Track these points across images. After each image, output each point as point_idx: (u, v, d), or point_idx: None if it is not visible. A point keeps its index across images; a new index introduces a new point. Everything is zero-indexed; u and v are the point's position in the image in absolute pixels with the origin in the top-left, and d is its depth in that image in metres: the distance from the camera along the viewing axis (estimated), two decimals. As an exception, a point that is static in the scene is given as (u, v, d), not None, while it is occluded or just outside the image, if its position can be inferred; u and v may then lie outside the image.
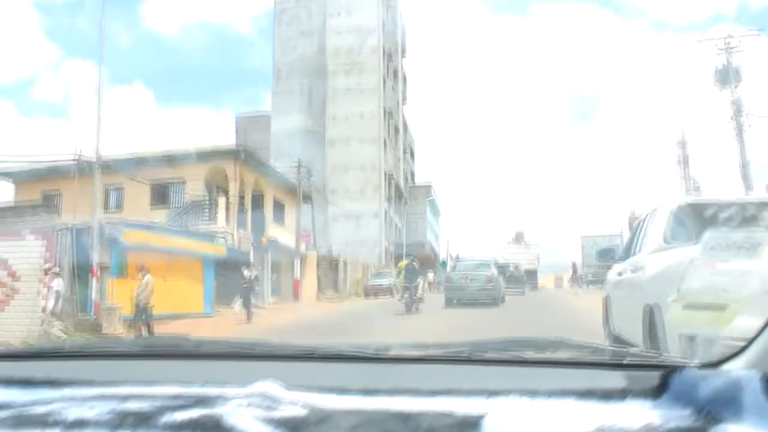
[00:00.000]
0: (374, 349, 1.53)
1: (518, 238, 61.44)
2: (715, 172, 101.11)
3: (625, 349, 1.56)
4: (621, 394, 1.08)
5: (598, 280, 33.68)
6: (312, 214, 32.72)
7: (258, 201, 26.68)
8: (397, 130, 56.14)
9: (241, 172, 24.37)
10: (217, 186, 24.54)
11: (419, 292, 18.80)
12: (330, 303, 25.13)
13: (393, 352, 1.52)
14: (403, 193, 57.41)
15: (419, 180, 67.31)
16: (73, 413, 1.02)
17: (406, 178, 61.76)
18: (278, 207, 29.96)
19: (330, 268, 31.31)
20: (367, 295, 29.47)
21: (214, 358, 1.59)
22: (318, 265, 29.86)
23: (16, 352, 2.04)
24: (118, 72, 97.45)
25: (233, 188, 23.86)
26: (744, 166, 22.51)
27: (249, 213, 25.32)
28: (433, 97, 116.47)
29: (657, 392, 1.08)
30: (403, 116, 61.40)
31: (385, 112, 50.55)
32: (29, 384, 1.23)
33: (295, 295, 26.68)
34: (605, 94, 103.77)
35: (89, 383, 1.21)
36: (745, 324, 1.33)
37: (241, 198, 24.54)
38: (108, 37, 63.95)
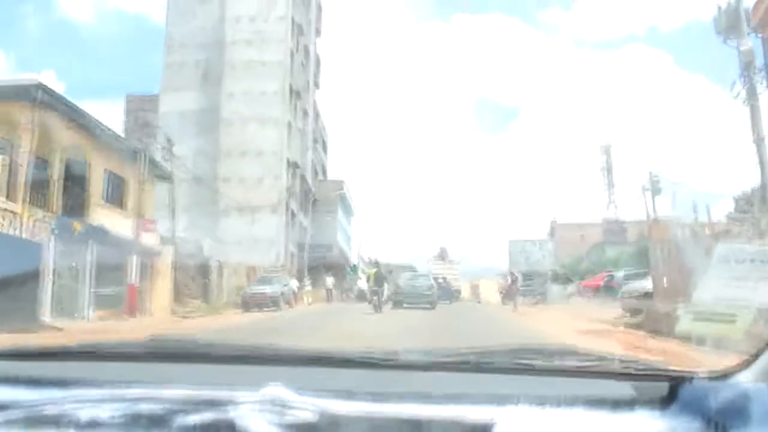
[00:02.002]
0: (383, 354, 1.54)
1: (442, 254, 63.12)
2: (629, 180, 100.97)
3: (633, 359, 1.56)
4: (630, 404, 1.09)
5: (533, 292, 28.26)
6: (171, 197, 25.50)
7: (76, 169, 19.21)
8: (306, 114, 49.39)
9: (41, 121, 16.93)
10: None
11: (384, 295, 22.88)
12: (184, 320, 18.07)
13: (402, 359, 1.53)
14: (311, 188, 50.70)
15: (333, 177, 60.93)
16: (85, 414, 1.05)
17: (315, 171, 55.08)
18: (114, 183, 22.43)
19: (198, 271, 24.07)
20: (245, 307, 22.72)
21: (225, 361, 1.59)
22: (176, 266, 22.49)
23: (26, 351, 1.86)
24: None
25: (27, 144, 16.54)
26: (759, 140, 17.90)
27: (56, 184, 17.93)
28: (352, 96, 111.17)
29: (665, 402, 1.09)
30: (314, 101, 54.71)
31: (291, 91, 43.74)
32: (40, 384, 1.24)
33: (130, 308, 19.41)
34: (525, 104, 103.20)
35: (100, 384, 1.22)
36: (754, 336, 1.36)
37: (43, 162, 17.13)
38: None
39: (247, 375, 1.37)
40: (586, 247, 56.29)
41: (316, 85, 56.60)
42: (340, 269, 48.85)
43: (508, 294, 29.90)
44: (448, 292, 34.38)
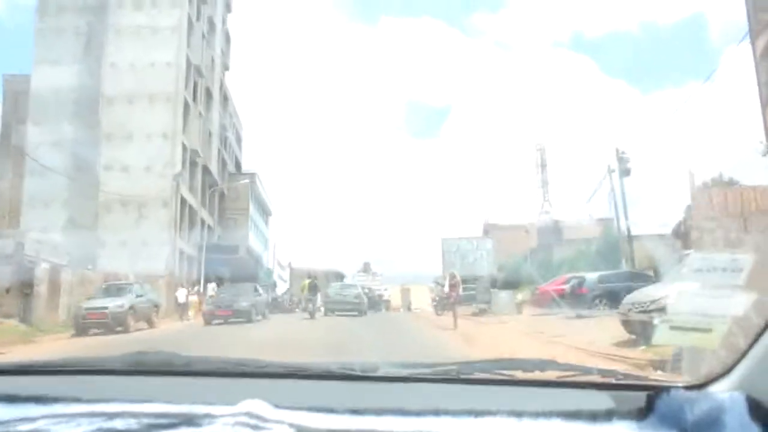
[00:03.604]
0: (362, 368, 1.53)
1: (365, 268, 65.75)
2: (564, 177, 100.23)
3: (612, 370, 1.54)
4: (607, 415, 1.10)
5: (474, 299, 22.90)
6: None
7: None
8: (210, 95, 42.79)
9: None
10: None
11: (318, 302, 25.66)
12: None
13: (381, 372, 1.53)
14: (217, 181, 44.12)
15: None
16: (59, 430, 1.04)
17: (224, 163, 48.42)
18: None
19: (22, 281, 16.97)
20: (79, 329, 15.83)
21: (203, 375, 1.59)
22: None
23: (3, 367, 1.84)
24: None
25: None
26: None
27: None
28: (277, 96, 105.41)
29: (643, 413, 1.10)
30: (222, 83, 48.13)
31: (190, 65, 37.15)
32: (15, 400, 1.23)
33: None
34: (454, 106, 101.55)
35: (77, 400, 1.21)
36: (730, 346, 1.32)
37: None
38: None
39: (226, 389, 1.38)
40: (522, 249, 52.08)
41: (225, 66, 50.05)
42: (251, 274, 42.46)
43: (442, 303, 24.43)
44: (374, 302, 36.01)
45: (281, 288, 57.47)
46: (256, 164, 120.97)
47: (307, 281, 26.36)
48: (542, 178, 69.69)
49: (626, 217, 23.47)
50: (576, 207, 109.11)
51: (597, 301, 16.28)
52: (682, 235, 28.25)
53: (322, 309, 28.39)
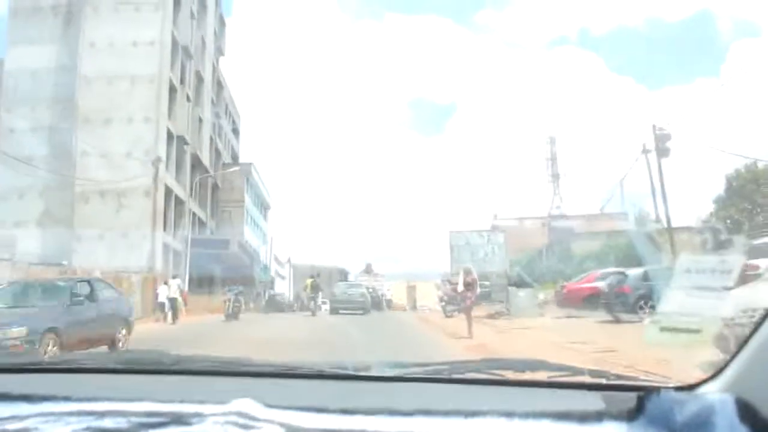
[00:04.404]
0: (354, 367, 1.54)
1: (368, 269, 65.41)
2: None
3: (602, 371, 1.54)
4: (597, 416, 1.09)
5: (489, 298, 19.92)
6: None
7: None
8: (200, 79, 39.89)
9: None
10: None
11: (320, 300, 28.15)
12: None
13: (373, 372, 1.53)
14: (209, 171, 41.26)
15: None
16: (49, 428, 1.03)
17: (217, 153, 45.55)
18: None
19: None
20: None
21: (194, 374, 1.59)
22: None
23: None
24: None
25: None
26: None
27: None
28: (284, 92, 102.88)
29: (633, 414, 1.09)
30: (215, 68, 45.26)
31: (176, 45, 34.27)
32: (5, 398, 1.23)
33: None
34: (460, 103, 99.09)
35: (66, 398, 1.20)
36: (721, 348, 1.41)
37: None
38: None
39: (216, 389, 1.37)
40: (534, 244, 49.06)
41: (220, 50, 47.19)
42: (244, 271, 39.63)
43: (452, 303, 21.46)
44: (377, 302, 35.59)
45: (280, 286, 54.74)
46: (257, 158, 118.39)
47: (309, 280, 27.48)
48: (552, 172, 66.85)
49: (665, 204, 20.45)
50: (587, 202, 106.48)
51: (642, 303, 13.26)
52: (713, 230, 25.46)
53: (323, 308, 29.99)
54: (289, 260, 58.72)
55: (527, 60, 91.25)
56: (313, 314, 24.55)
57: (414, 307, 44.91)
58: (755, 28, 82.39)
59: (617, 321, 13.52)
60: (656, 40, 76.82)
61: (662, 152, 19.99)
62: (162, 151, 31.55)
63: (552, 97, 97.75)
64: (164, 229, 32.44)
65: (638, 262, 19.40)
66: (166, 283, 25.93)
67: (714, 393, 1.07)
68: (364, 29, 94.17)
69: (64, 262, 26.29)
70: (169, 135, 32.99)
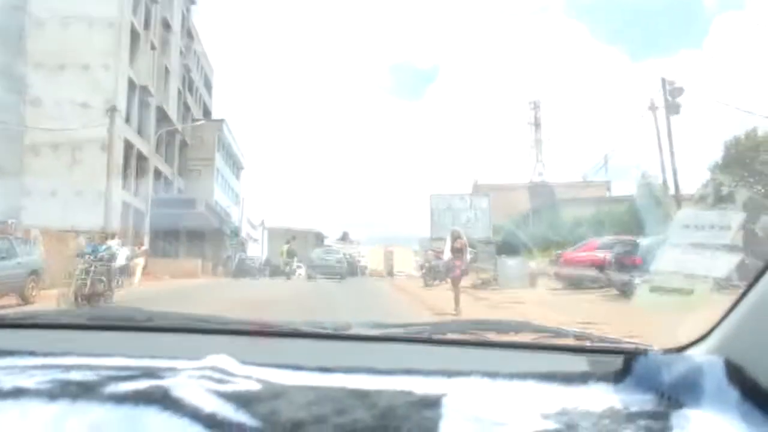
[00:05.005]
0: (333, 327, 1.51)
1: (344, 237, 63.99)
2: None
3: (588, 333, 1.53)
4: (583, 378, 1.08)
5: (474, 266, 18.05)
6: None
7: None
8: (168, 26, 37.08)
9: None
10: None
11: (294, 265, 28.93)
12: None
13: (352, 331, 1.50)
14: (176, 126, 38.71)
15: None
16: (9, 381, 0.98)
17: (186, 107, 42.91)
18: None
19: None
20: None
21: (168, 331, 1.55)
22: None
23: None
24: None
25: None
26: None
27: None
28: (263, 53, 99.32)
29: (619, 376, 1.08)
30: (186, 17, 42.38)
31: (138, -15, 31.48)
32: None
33: None
34: (441, 68, 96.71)
35: (31, 353, 1.16)
36: (710, 309, 1.29)
37: None
38: None
39: (190, 346, 1.33)
40: (518, 210, 47.44)
41: (191, -1, 44.22)
42: (212, 232, 37.52)
43: (433, 272, 19.58)
44: (353, 268, 36.48)
45: (252, 249, 52.63)
46: (232, 116, 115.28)
47: (285, 246, 29.26)
48: (536, 138, 65.24)
49: (674, 168, 18.53)
50: (569, 170, 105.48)
51: (656, 276, 11.50)
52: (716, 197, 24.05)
53: (297, 272, 29.81)
54: (262, 223, 56.52)
55: (512, 25, 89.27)
56: (288, 278, 25.55)
57: (391, 273, 43.22)
58: (739, 1, 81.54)
59: (625, 295, 11.78)
60: (640, 12, 75.47)
61: (672, 108, 18.07)
62: (122, 102, 29.05)
63: (536, 64, 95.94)
64: (124, 187, 30.13)
65: (639, 230, 17.71)
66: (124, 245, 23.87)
67: (702, 355, 1.06)
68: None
69: (11, 220, 24.01)
70: (131, 84, 30.44)
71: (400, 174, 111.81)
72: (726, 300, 1.07)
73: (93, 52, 28.55)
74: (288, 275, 26.42)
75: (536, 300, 13.00)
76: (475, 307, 11.79)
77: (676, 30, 73.44)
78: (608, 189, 47.09)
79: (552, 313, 10.50)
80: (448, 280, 16.20)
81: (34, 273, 13.23)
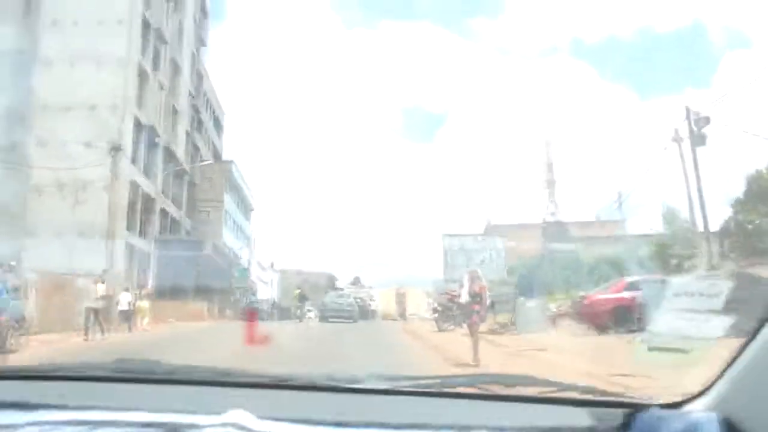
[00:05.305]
0: (347, 380, 1.55)
1: (355, 281, 64.93)
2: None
3: (591, 387, 1.56)
4: None
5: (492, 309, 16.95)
6: None
7: None
8: (177, 67, 36.93)
9: None
10: None
11: (306, 309, 30.34)
12: None
13: (365, 384, 1.53)
14: (185, 168, 38.25)
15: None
16: None
17: (195, 148, 42.52)
18: None
19: None
20: None
21: (188, 383, 1.58)
22: None
23: None
24: None
25: None
26: None
27: None
28: (278, 99, 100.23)
29: (621, 431, 1.11)
30: (196, 58, 42.34)
31: (147, 26, 31.35)
32: (1, 406, 1.21)
33: None
34: (452, 111, 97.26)
35: (61, 407, 1.19)
36: (708, 367, 1.31)
37: None
38: None
39: (212, 399, 1.36)
40: (531, 250, 46.40)
41: (201, 40, 44.31)
42: (220, 276, 36.65)
43: (446, 315, 18.48)
44: (364, 311, 36.56)
45: (263, 292, 51.62)
46: (244, 158, 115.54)
47: (297, 291, 31.62)
48: (548, 178, 64.59)
49: (702, 202, 17.50)
50: (581, 210, 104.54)
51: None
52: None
53: (308, 315, 30.76)
54: (272, 265, 55.64)
55: (519, 68, 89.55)
56: (300, 320, 27.46)
57: (403, 316, 42.08)
58: (747, 39, 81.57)
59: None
60: (648, 51, 75.68)
61: (698, 140, 17.04)
62: (128, 142, 28.60)
63: (544, 106, 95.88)
64: (129, 228, 29.48)
65: (667, 269, 16.68)
66: (126, 289, 23.09)
67: (699, 411, 1.07)
68: (358, 35, 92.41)
69: (12, 263, 23.29)
70: (137, 124, 30.03)
71: (412, 215, 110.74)
72: (725, 355, 1.03)
73: (100, 91, 28.22)
74: (300, 318, 28.06)
75: (560, 346, 11.92)
76: (495, 356, 10.77)
77: (683, 68, 73.31)
78: (622, 227, 46.11)
79: (580, 362, 9.49)
80: (464, 324, 15.15)
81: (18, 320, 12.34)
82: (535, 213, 71.92)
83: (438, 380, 1.57)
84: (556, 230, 52.84)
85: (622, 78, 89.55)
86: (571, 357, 10.22)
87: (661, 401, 1.20)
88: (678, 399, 1.17)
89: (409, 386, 1.51)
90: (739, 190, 29.07)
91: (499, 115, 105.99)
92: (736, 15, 79.02)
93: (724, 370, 1.09)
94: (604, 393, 1.47)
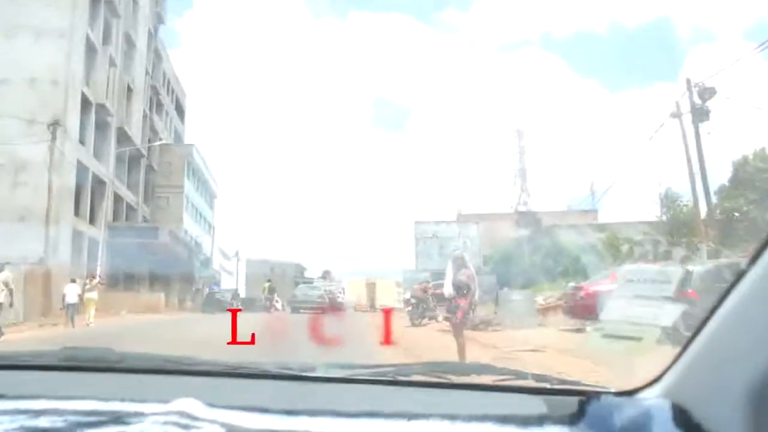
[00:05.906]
0: (299, 368, 1.51)
1: (325, 275, 62.36)
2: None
3: (546, 375, 1.54)
4: (539, 420, 1.10)
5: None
6: None
7: None
8: (131, 42, 34.42)
9: None
10: None
11: (274, 300, 31.08)
12: None
13: (318, 372, 1.50)
14: (142, 150, 35.82)
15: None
16: None
17: (153, 131, 39.99)
18: None
19: None
20: None
21: (138, 372, 1.54)
22: None
23: None
24: None
25: None
26: None
27: None
28: (246, 89, 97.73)
29: (574, 418, 1.10)
30: (153, 35, 39.77)
31: (95, -5, 28.84)
32: None
33: None
34: (422, 102, 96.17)
35: (4, 396, 1.16)
36: (660, 354, 1.35)
37: None
38: None
39: (160, 387, 1.34)
40: (506, 238, 45.03)
41: (159, 17, 41.72)
42: (179, 264, 34.44)
43: (420, 308, 16.69)
44: (334, 303, 36.65)
45: (226, 282, 49.40)
46: (208, 144, 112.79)
47: (267, 284, 31.66)
48: (520, 166, 63.47)
49: (705, 181, 15.89)
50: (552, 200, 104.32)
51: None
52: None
53: (277, 306, 31.60)
54: (236, 254, 53.44)
55: (490, 59, 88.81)
56: (268, 311, 28.39)
57: (373, 306, 40.47)
58: (712, 34, 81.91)
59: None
60: (617, 45, 75.43)
61: (701, 114, 15.24)
62: (74, 119, 26.20)
63: (514, 98, 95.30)
64: (77, 214, 27.15)
65: (662, 257, 15.14)
66: (73, 280, 20.86)
67: (652, 398, 1.08)
68: (327, 24, 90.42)
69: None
70: (85, 101, 27.59)
71: (382, 205, 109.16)
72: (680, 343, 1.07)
73: (40, 64, 25.71)
74: (268, 310, 28.87)
75: (551, 343, 10.29)
76: (482, 358, 8.98)
77: (651, 62, 73.28)
78: (595, 217, 45.04)
79: (587, 363, 7.79)
80: (440, 319, 13.42)
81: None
82: (507, 203, 71.05)
83: (392, 368, 1.54)
84: (528, 219, 51.67)
85: (591, 71, 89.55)
86: (576, 360, 8.52)
87: (616, 389, 1.19)
88: (632, 387, 1.16)
89: (363, 374, 1.49)
90: (725, 177, 27.87)
91: (469, 106, 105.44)
92: (702, 11, 79.73)
93: (677, 358, 1.09)
94: (558, 381, 1.46)
